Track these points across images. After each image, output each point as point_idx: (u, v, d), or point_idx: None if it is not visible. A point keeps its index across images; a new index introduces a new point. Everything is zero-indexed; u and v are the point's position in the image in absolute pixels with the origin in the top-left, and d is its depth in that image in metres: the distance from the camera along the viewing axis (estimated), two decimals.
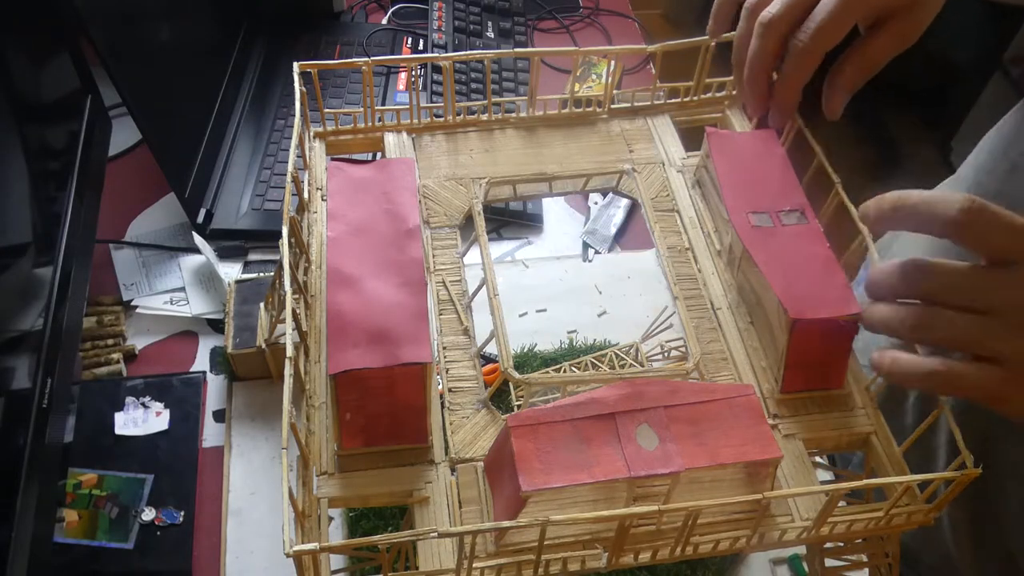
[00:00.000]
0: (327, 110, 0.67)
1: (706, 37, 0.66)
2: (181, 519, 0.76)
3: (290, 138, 0.85)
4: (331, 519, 0.50)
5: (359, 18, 1.28)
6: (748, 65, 0.59)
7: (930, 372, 0.47)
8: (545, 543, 0.44)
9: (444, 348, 0.56)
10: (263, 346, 0.81)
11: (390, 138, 0.68)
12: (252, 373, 0.85)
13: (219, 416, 0.84)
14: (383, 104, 1.08)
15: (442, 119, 0.68)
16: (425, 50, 1.20)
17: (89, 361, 0.86)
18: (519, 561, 0.46)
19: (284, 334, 0.50)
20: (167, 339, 0.90)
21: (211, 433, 0.83)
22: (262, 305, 0.84)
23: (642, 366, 0.83)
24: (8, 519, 0.58)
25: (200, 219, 0.96)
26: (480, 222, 0.60)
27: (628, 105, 0.71)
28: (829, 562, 0.56)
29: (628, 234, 1.02)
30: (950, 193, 0.46)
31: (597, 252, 1.00)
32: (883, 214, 0.49)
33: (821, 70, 0.59)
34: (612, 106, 0.70)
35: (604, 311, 0.93)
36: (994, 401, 0.46)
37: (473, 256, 0.60)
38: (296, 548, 0.41)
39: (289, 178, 0.57)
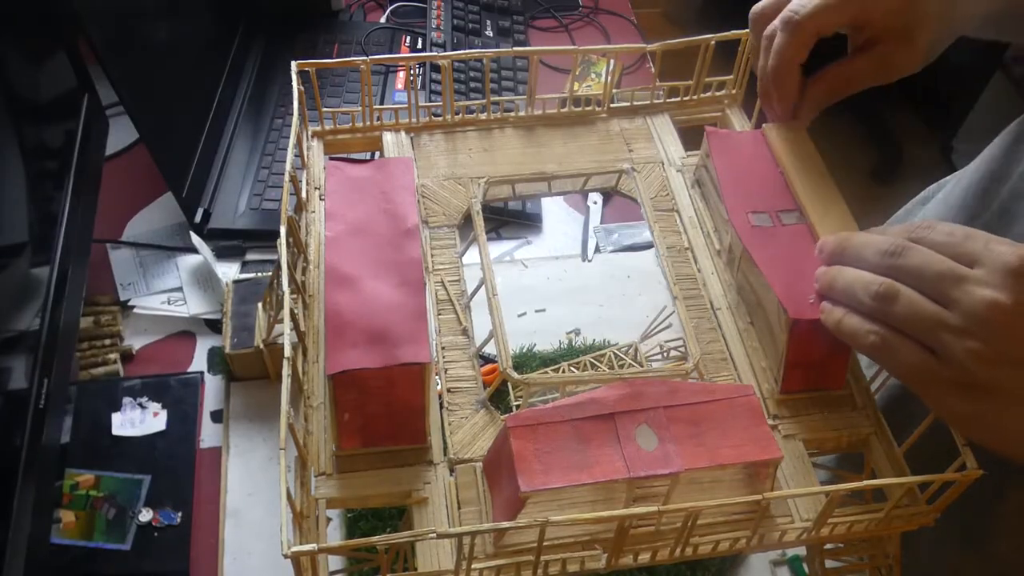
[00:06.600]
0: (325, 109, 0.67)
1: (706, 36, 0.66)
2: (179, 520, 0.75)
3: (288, 137, 0.85)
4: (329, 520, 0.49)
5: (357, 16, 1.28)
6: (772, 59, 0.58)
7: (872, 334, 0.47)
8: (544, 544, 0.44)
9: (443, 348, 0.56)
10: (261, 346, 0.81)
11: (388, 137, 0.67)
12: (250, 373, 0.85)
13: (217, 416, 0.84)
14: (381, 103, 1.08)
15: (441, 118, 0.68)
16: (424, 49, 1.20)
17: (86, 361, 0.85)
18: (518, 562, 0.46)
19: (282, 334, 0.50)
20: (164, 339, 0.90)
21: (209, 434, 0.83)
22: (260, 305, 0.83)
23: (641, 366, 0.82)
24: (5, 520, 0.57)
25: (198, 219, 0.96)
26: (479, 222, 0.60)
27: (627, 104, 0.70)
28: (829, 563, 0.55)
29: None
30: (880, 237, 0.49)
31: (597, 251, 1.00)
32: (832, 252, 0.52)
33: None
34: (611, 105, 0.70)
35: (603, 311, 0.93)
36: (919, 387, 0.47)
37: (472, 256, 0.60)
38: (294, 549, 0.41)
39: (287, 177, 0.57)
